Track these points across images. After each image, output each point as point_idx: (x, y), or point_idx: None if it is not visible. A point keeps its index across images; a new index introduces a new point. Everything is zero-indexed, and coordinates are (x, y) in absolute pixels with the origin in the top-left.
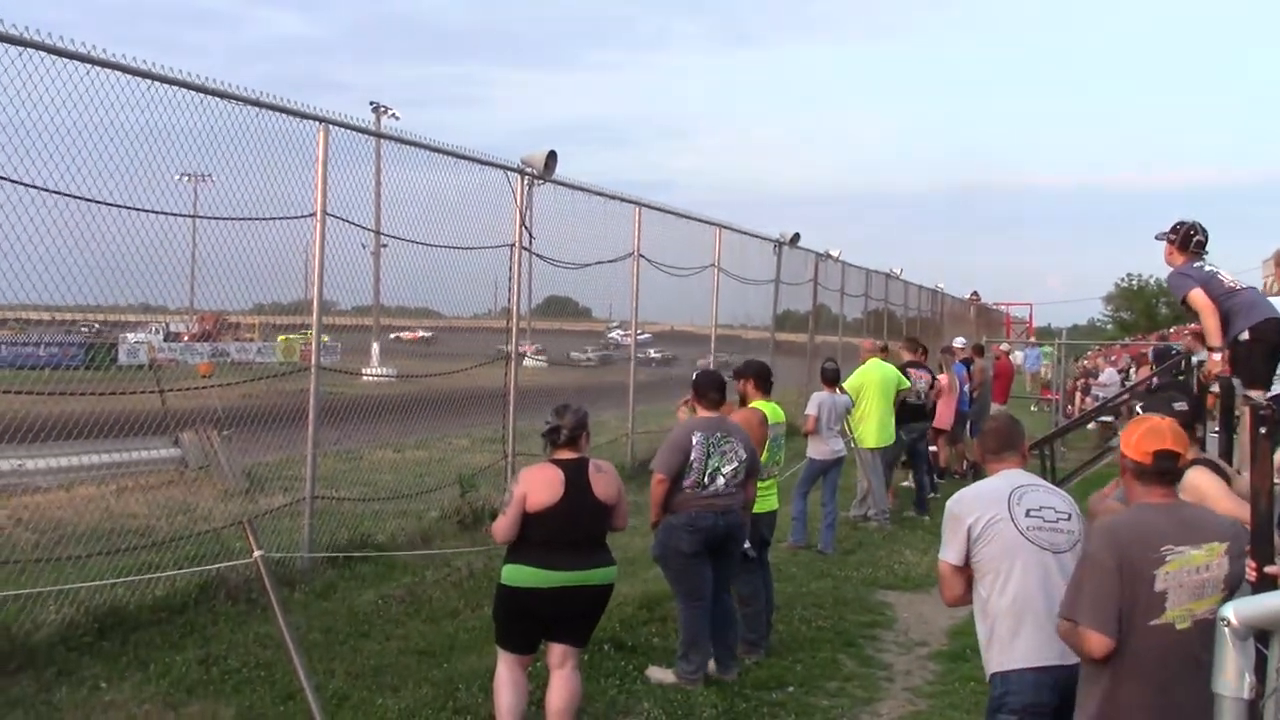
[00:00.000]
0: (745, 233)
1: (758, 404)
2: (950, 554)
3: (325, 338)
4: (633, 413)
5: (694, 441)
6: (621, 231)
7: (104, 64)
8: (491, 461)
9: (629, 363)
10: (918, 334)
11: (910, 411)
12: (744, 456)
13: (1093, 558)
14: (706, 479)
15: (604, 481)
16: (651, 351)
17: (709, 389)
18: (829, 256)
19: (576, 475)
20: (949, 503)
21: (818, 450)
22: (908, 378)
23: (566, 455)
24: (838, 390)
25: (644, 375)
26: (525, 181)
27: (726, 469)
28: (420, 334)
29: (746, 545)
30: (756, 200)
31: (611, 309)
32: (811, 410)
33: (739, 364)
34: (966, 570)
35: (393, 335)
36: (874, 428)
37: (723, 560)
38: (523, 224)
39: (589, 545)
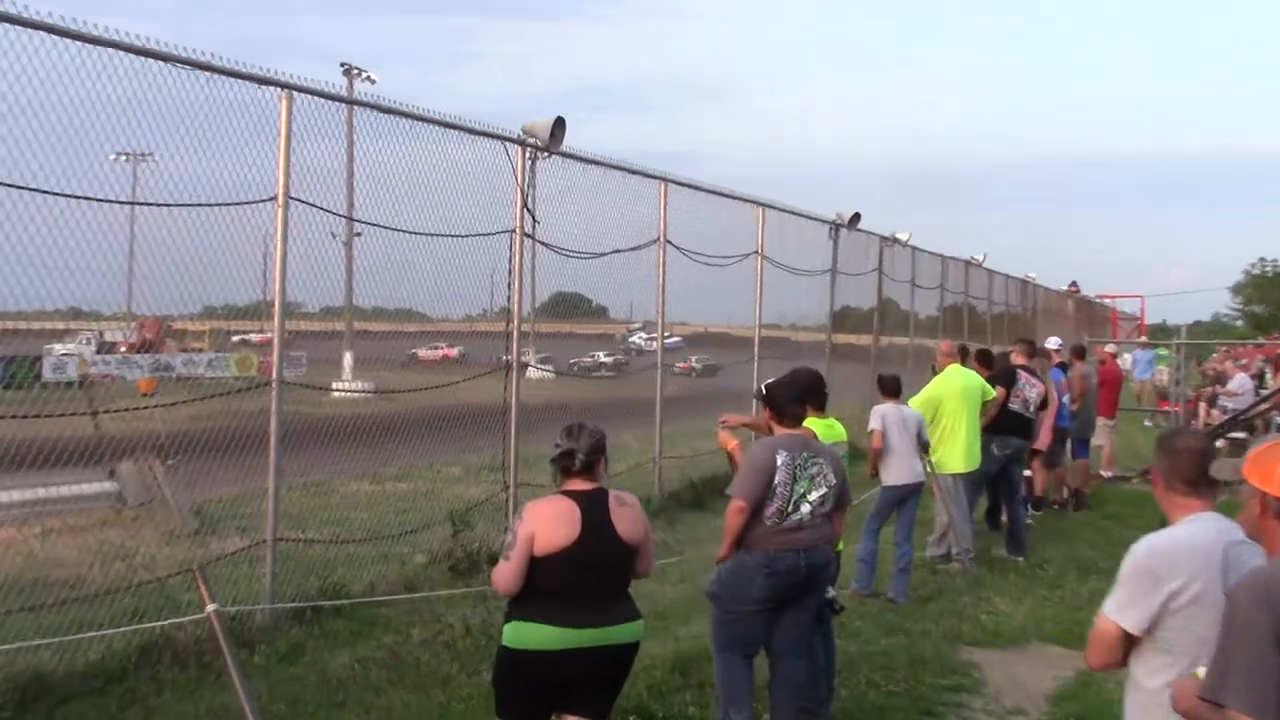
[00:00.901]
0: (794, 213)
1: (809, 421)
2: (1129, 619)
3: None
4: (660, 434)
5: (778, 463)
6: (644, 213)
7: (19, 22)
8: (490, 494)
9: (655, 372)
10: (1021, 333)
11: (1013, 424)
12: (834, 482)
13: (1241, 623)
14: (790, 507)
15: (628, 518)
16: (692, 362)
17: (788, 402)
18: (896, 241)
19: (595, 510)
20: (1140, 552)
21: (894, 473)
22: (1017, 382)
23: (581, 485)
24: (903, 403)
25: (674, 387)
26: (527, 155)
27: (813, 496)
28: (448, 350)
29: (831, 594)
30: (807, 175)
31: (633, 307)
32: (875, 424)
33: (785, 374)
34: (1138, 640)
35: (410, 351)
36: (958, 449)
37: (797, 611)
38: (525, 206)
39: (610, 596)
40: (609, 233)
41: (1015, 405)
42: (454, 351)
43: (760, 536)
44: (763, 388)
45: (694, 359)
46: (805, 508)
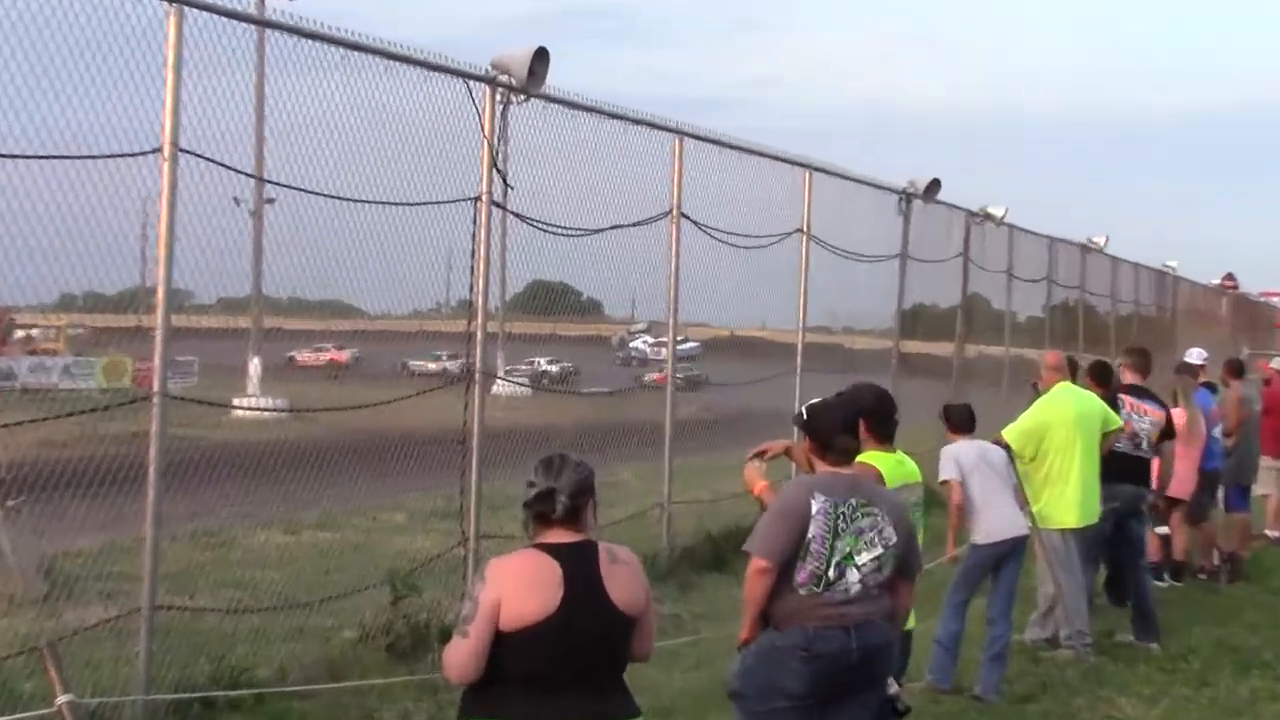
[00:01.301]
0: (852, 179)
1: (871, 456)
2: None
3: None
4: (669, 470)
5: (814, 509)
6: (651, 177)
7: None
8: (442, 549)
9: (664, 389)
10: (1139, 342)
11: (1120, 467)
12: (893, 540)
13: None
14: (833, 572)
15: (623, 579)
16: (674, 371)
17: (836, 430)
18: (988, 218)
19: (580, 569)
20: None
21: (986, 527)
22: (1119, 409)
23: (564, 537)
24: (973, 437)
25: (690, 408)
26: (498, 97)
27: (864, 558)
28: (336, 353)
29: (894, 689)
30: (870, 131)
31: (635, 302)
32: (950, 473)
33: (838, 393)
34: None
35: (288, 355)
36: (1070, 497)
37: (848, 712)
38: (493, 165)
39: (600, 684)
40: (605, 203)
41: (1120, 443)
42: (344, 355)
43: (794, 610)
44: (803, 410)
45: (682, 369)
46: (853, 574)
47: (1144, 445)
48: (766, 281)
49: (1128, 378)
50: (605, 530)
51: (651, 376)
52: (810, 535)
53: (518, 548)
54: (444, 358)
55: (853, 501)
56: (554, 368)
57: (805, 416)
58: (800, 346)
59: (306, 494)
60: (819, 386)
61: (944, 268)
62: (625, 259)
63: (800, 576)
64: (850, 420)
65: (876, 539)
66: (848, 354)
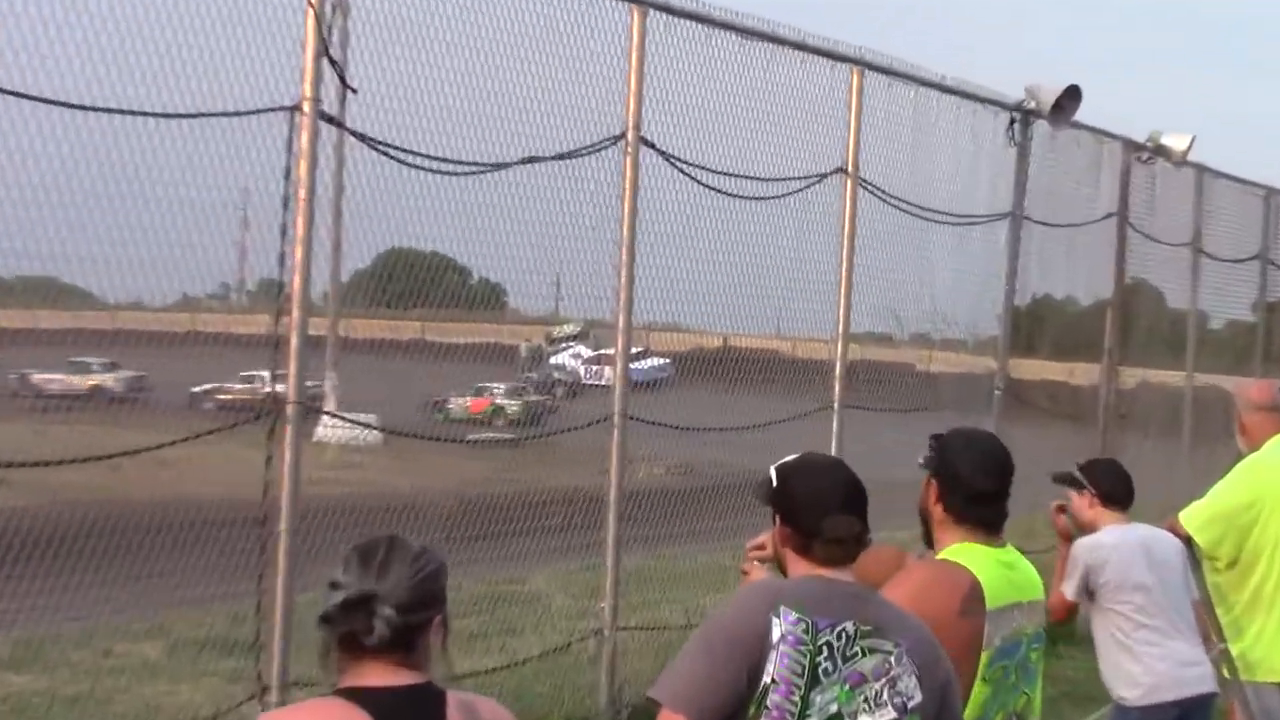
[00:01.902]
0: (929, 84)
1: (961, 552)
2: None
3: None
4: (614, 574)
5: (776, 635)
6: (590, 78)
7: None
8: (225, 703)
9: (608, 431)
10: None
11: None
12: (915, 700)
13: None
14: None
15: None
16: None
17: (825, 507)
18: (1158, 154)
19: None
20: None
21: (1146, 677)
22: None
23: (386, 677)
24: (1128, 518)
25: (651, 470)
26: None
27: None
28: (95, 378)
29: None
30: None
31: (561, 289)
32: (1075, 581)
33: (930, 450)
34: None
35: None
36: None
37: None
38: (324, 53)
39: None
40: (503, 116)
41: None
42: (113, 380)
43: None
44: (772, 474)
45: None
46: None
47: None
48: (784, 258)
49: None
50: (493, 677)
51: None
52: (769, 678)
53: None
54: (94, 369)
55: (848, 628)
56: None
57: (775, 483)
58: (840, 366)
59: None
60: (871, 430)
61: (1085, 238)
62: (540, 216)
63: None
64: (851, 490)
65: (887, 695)
66: (922, 379)
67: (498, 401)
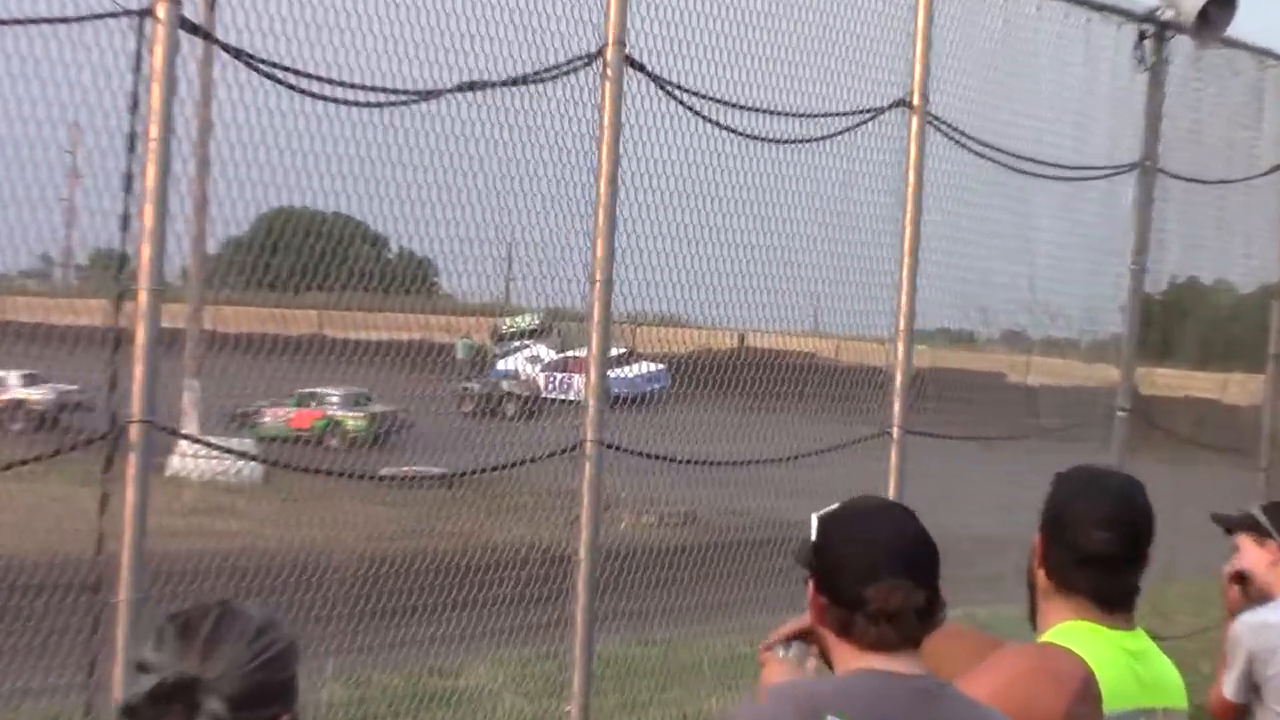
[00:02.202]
0: None
1: (1063, 631)
2: None
3: None
4: (585, 663)
5: None
6: None
7: None
8: None
9: (577, 463)
10: None
11: None
12: None
13: None
14: None
15: None
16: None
17: (871, 572)
18: None
19: None
20: None
21: None
22: None
23: None
24: None
25: (636, 520)
26: None
27: None
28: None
29: None
30: None
31: (513, 266)
32: (1237, 672)
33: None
34: None
35: None
36: None
37: None
38: None
39: None
40: (435, 29)
41: None
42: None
43: None
44: (813, 522)
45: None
46: None
47: None
48: (811, 219)
49: None
50: None
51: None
52: None
53: None
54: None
55: None
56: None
57: (815, 539)
58: (901, 375)
59: None
60: (944, 466)
61: (1243, 200)
62: (483, 165)
63: None
64: (913, 545)
65: None
66: (1014, 395)
67: (332, 414)
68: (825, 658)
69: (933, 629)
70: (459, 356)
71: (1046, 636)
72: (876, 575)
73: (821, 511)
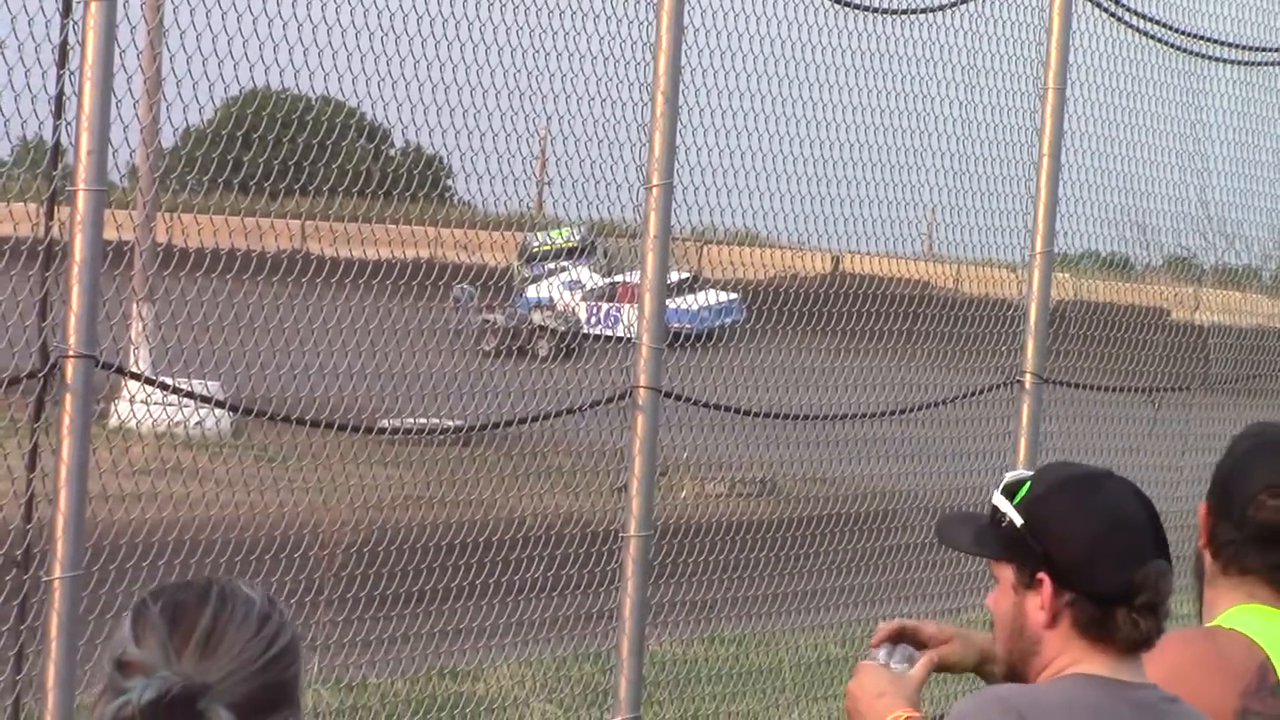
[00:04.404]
0: None
1: (1235, 615)
2: None
3: None
4: (634, 664)
5: None
6: None
7: None
8: None
9: (628, 416)
10: None
11: None
12: None
13: None
14: None
15: None
16: None
17: (1146, 542)
18: None
19: None
20: None
21: None
22: None
23: None
24: None
25: (706, 490)
26: None
27: None
28: None
29: None
30: None
31: (548, 168)
32: None
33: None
34: None
35: None
36: None
37: None
38: None
39: None
40: None
41: None
42: None
43: None
44: (999, 498)
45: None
46: None
47: None
48: (922, 111)
49: None
50: None
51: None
52: None
53: None
54: None
55: None
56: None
57: (1022, 510)
58: (1036, 310)
59: None
60: (1090, 422)
61: None
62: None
63: None
64: (1159, 524)
65: None
66: (1181, 336)
67: None
68: (1013, 667)
69: (1157, 632)
70: (459, 296)
71: (1214, 623)
72: (1143, 557)
73: (1006, 485)
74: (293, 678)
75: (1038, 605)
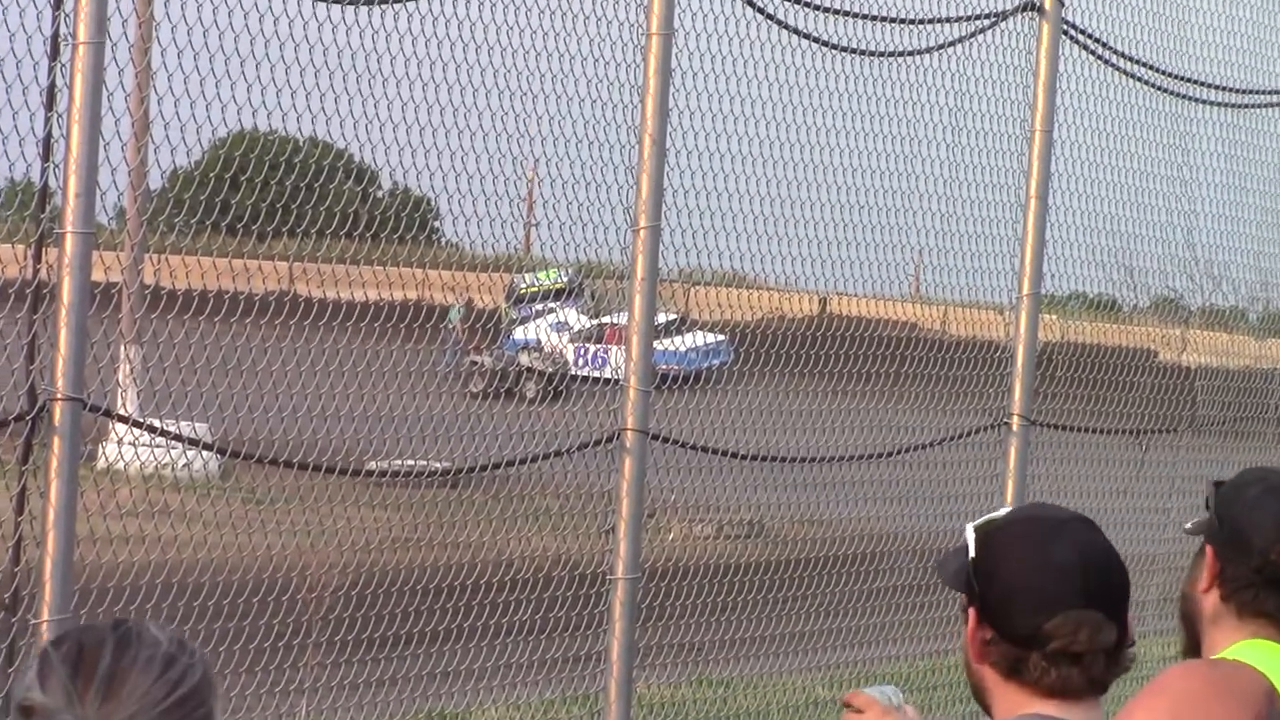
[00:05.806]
0: None
1: (1236, 651)
2: None
3: None
4: (623, 707)
5: None
6: None
7: None
8: None
9: (615, 458)
10: None
11: None
12: None
13: None
14: None
15: None
16: None
17: (1068, 589)
18: None
19: None
20: None
21: None
22: None
23: None
24: None
25: (695, 532)
26: None
27: None
28: None
29: None
30: None
31: (537, 209)
32: None
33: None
34: None
35: None
36: None
37: None
38: None
39: None
40: None
41: None
42: None
43: None
44: (969, 535)
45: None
46: None
47: None
48: (913, 154)
49: None
50: None
51: None
52: None
53: None
54: None
55: None
56: None
57: (976, 557)
58: (1023, 352)
59: None
60: (1078, 465)
61: None
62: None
63: None
64: (1100, 569)
65: None
66: (1168, 377)
67: None
68: (982, 704)
69: (1120, 673)
70: (450, 324)
71: (1237, 652)
72: (1059, 605)
73: (979, 522)
74: (204, 718)
75: (972, 645)
